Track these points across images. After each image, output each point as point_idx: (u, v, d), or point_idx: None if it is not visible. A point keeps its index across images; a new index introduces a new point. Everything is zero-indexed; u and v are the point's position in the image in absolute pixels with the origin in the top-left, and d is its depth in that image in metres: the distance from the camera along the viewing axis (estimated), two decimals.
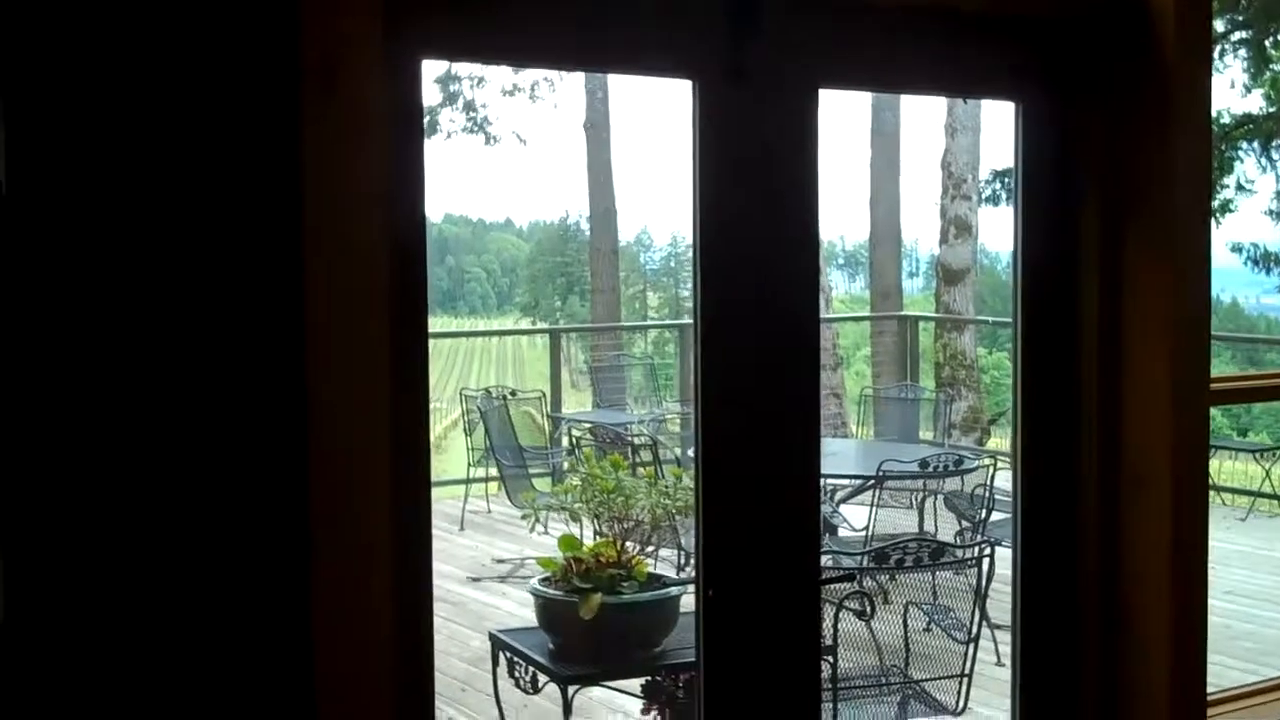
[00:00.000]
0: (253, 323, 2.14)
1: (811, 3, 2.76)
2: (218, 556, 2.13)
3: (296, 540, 2.16)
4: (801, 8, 2.74)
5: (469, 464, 9.46)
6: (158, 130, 2.07)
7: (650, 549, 5.03)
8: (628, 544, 4.82)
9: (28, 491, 2.00)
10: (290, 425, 2.15)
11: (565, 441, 9.51)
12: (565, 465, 9.37)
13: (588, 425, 8.82)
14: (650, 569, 4.89)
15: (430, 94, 15.70)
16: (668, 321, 20.82)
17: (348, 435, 2.20)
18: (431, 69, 16.79)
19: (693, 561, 6.19)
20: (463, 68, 16.33)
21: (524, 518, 7.35)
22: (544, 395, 10.44)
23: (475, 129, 16.54)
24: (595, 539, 5.25)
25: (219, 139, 2.11)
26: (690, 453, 7.28)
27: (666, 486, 5.02)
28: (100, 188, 2.03)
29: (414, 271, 2.41)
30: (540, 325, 26.31)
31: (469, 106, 16.51)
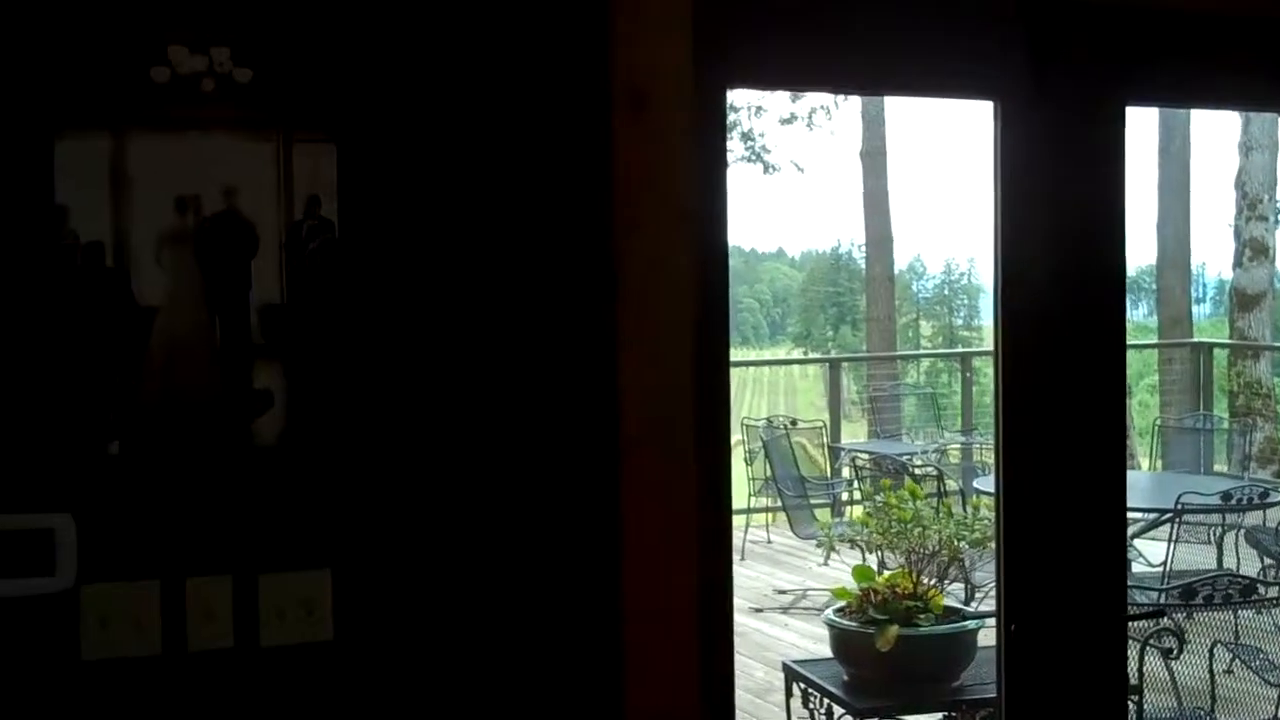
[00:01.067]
0: (568, 344, 2.20)
1: (1116, 15, 2.68)
2: (535, 576, 2.19)
3: (606, 571, 2.20)
4: (1106, 22, 2.67)
5: (749, 493, 9.47)
6: (479, 163, 2.15)
7: (948, 581, 4.94)
8: (923, 577, 4.75)
9: (361, 511, 2.10)
10: (602, 441, 2.19)
11: (845, 472, 9.43)
12: (845, 496, 9.29)
13: (870, 456, 8.72)
14: (947, 603, 4.81)
15: None
16: (948, 350, 20.45)
17: (655, 454, 2.22)
18: None
19: (979, 595, 6.08)
20: (741, 97, 16.43)
21: (819, 546, 7.31)
22: (824, 425, 10.38)
23: (753, 158, 16.61)
24: (880, 569, 5.20)
25: (534, 169, 2.18)
26: (975, 484, 7.12)
27: (964, 517, 4.93)
28: (425, 220, 2.13)
29: (718, 295, 2.43)
30: (813, 355, 26.17)
31: (746, 136, 16.59)
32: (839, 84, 2.88)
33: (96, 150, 1.97)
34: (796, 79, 2.78)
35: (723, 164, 2.45)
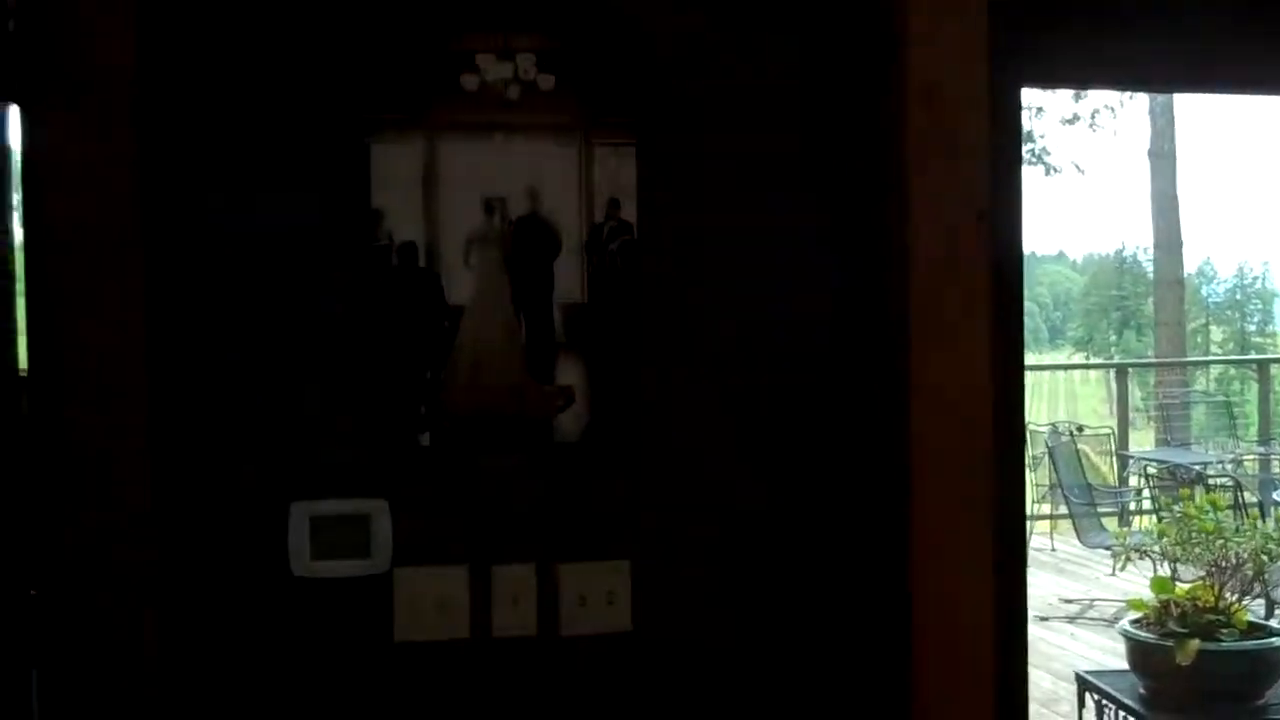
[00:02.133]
0: (858, 341, 2.20)
1: None
2: (823, 581, 2.20)
3: (895, 579, 2.18)
4: None
5: (1033, 500, 9.25)
6: (771, 164, 2.17)
7: (1252, 596, 4.73)
8: (1224, 590, 4.56)
9: (658, 505, 2.15)
10: (892, 438, 2.18)
11: (1133, 481, 9.11)
12: (1132, 505, 8.97)
13: (1161, 465, 8.40)
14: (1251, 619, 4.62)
15: None
16: (1243, 357, 19.56)
17: (950, 452, 2.19)
18: None
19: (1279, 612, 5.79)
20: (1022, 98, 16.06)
21: (1113, 557, 7.09)
22: (1112, 432, 10.06)
23: (1034, 160, 16.22)
24: (1173, 581, 5.01)
25: (825, 168, 2.19)
26: (1276, 495, 6.78)
27: (1271, 530, 4.71)
28: (721, 220, 2.16)
29: (1013, 297, 2.38)
30: (1095, 360, 25.37)
31: (1028, 137, 16.21)
32: (1144, 81, 2.76)
33: (410, 154, 2.06)
34: (1100, 77, 2.70)
35: (1017, 163, 2.41)
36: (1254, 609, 6.17)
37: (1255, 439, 10.96)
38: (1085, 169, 17.02)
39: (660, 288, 2.13)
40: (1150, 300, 19.09)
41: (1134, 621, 4.63)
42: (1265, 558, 4.56)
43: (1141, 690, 4.59)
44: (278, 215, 2.03)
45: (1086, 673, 4.97)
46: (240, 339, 2.02)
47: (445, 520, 2.09)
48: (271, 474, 2.03)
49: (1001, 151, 2.33)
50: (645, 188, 2.12)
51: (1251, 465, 9.98)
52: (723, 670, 2.17)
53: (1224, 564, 4.55)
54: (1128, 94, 15.80)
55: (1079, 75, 2.68)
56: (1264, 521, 5.97)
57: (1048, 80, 2.78)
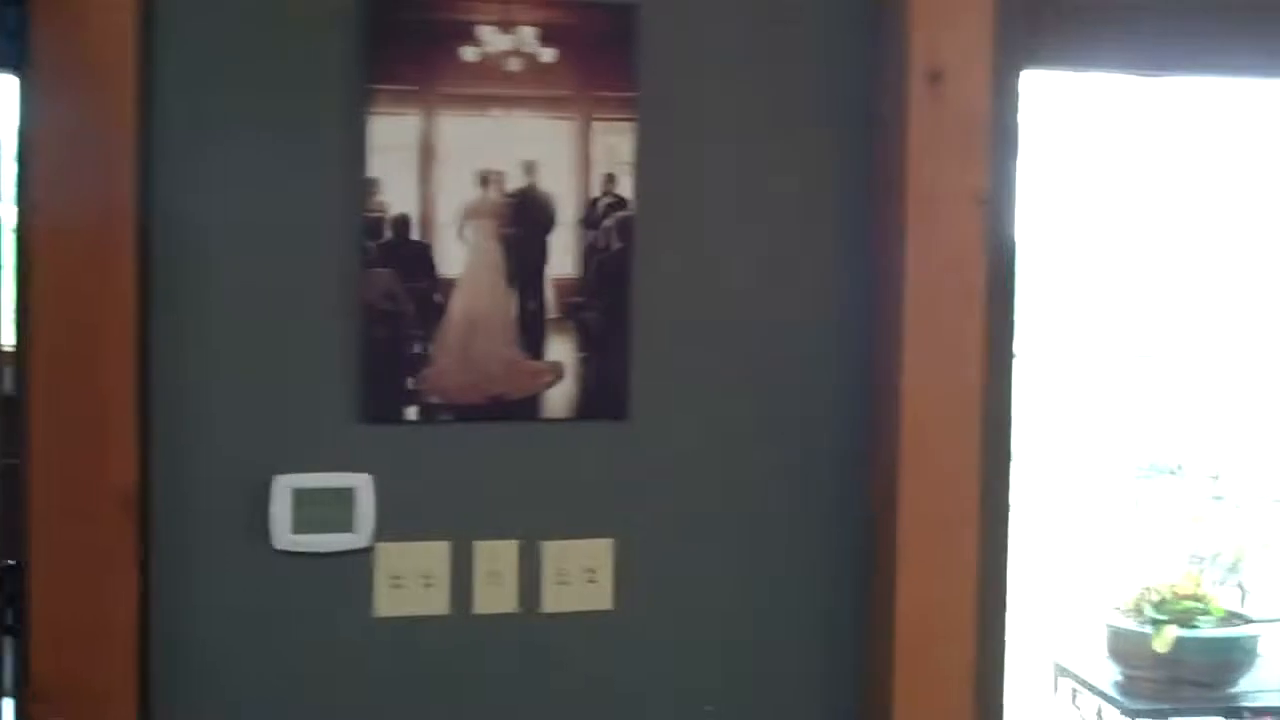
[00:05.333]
0: (851, 324, 2.19)
1: None
2: (810, 549, 2.20)
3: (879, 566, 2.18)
4: None
5: None
6: (768, 140, 2.16)
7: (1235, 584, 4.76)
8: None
9: (645, 483, 2.14)
10: (880, 436, 2.18)
11: None
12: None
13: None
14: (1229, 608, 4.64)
15: None
16: None
17: (939, 452, 2.18)
18: None
19: (1250, 600, 5.80)
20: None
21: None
22: None
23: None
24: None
25: (825, 144, 2.18)
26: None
27: (1246, 519, 4.74)
28: (717, 197, 2.15)
29: (1005, 282, 2.36)
30: None
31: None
32: (1155, 68, 2.73)
33: (407, 126, 2.04)
34: (1103, 62, 2.67)
35: (1015, 147, 2.38)
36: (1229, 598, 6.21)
37: None
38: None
39: (655, 264, 2.12)
40: None
41: (1113, 609, 4.65)
42: (1241, 544, 4.60)
43: (1118, 678, 4.62)
44: (271, 187, 2.02)
45: (1063, 660, 4.99)
46: (227, 307, 2.01)
47: (429, 495, 2.08)
48: (256, 446, 2.02)
49: (1002, 137, 2.32)
50: (643, 163, 2.11)
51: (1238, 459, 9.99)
52: (703, 652, 2.16)
53: (1202, 552, 4.58)
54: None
55: (1081, 59, 2.65)
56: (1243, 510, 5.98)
57: (1050, 63, 2.74)
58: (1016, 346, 2.45)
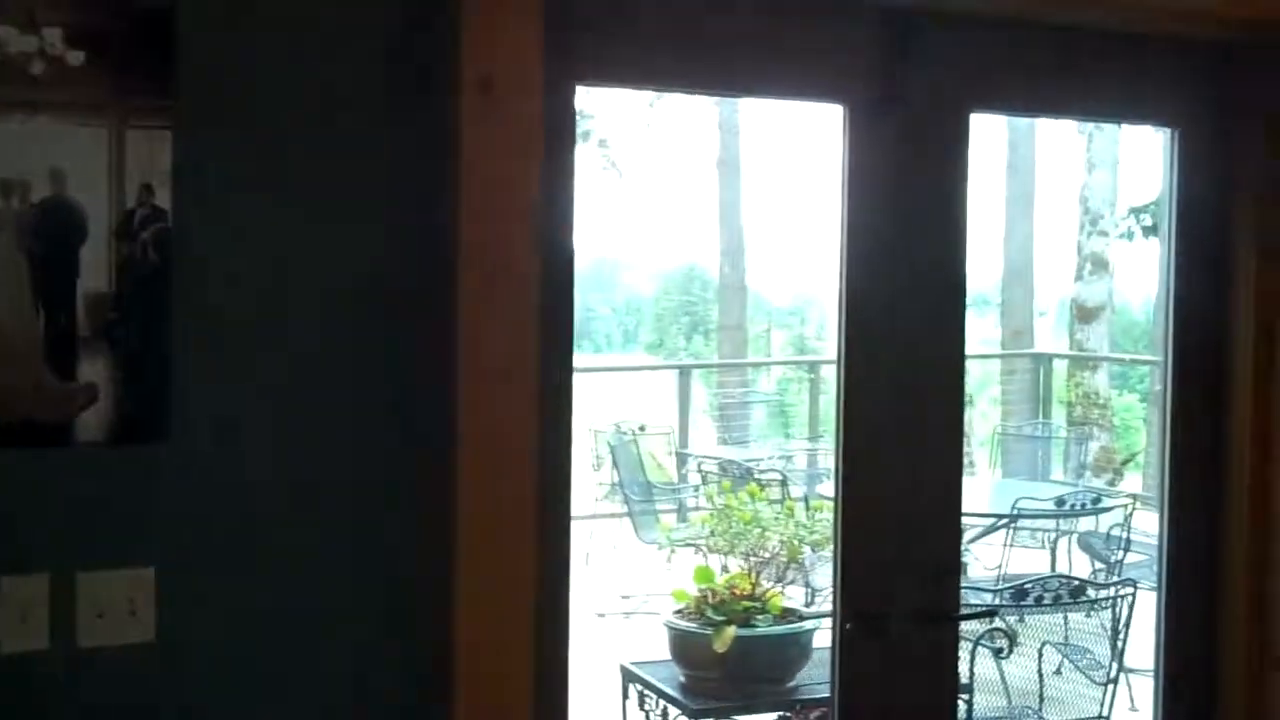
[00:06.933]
0: (404, 336, 2.18)
1: (964, 24, 2.72)
2: (362, 578, 2.17)
3: (441, 569, 2.17)
4: (954, 29, 2.71)
5: (597, 499, 9.47)
6: (318, 147, 2.13)
7: (785, 583, 4.99)
8: (762, 578, 4.79)
9: (188, 509, 2.05)
10: (439, 440, 2.17)
11: (692, 478, 9.48)
12: (691, 502, 9.33)
13: (717, 461, 8.78)
14: (785, 604, 4.86)
15: None
16: (797, 358, 20.71)
17: (494, 455, 2.20)
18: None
19: (819, 598, 6.15)
20: (595, 104, 16.44)
21: (660, 549, 7.32)
22: (672, 431, 10.41)
23: (608, 166, 16.63)
24: (724, 573, 5.24)
25: (377, 153, 2.16)
26: (818, 489, 7.21)
27: (803, 520, 4.99)
28: (262, 208, 2.09)
29: (563, 295, 2.41)
30: (663, 362, 26.24)
31: (601, 143, 16.61)
32: (689, 84, 2.87)
33: None
34: (645, 78, 2.78)
35: (571, 160, 2.44)
36: (795, 597, 6.54)
37: (807, 436, 11.59)
38: (659, 176, 17.60)
39: (197, 278, 2.04)
40: (716, 306, 19.93)
41: (676, 612, 4.80)
42: (800, 544, 4.82)
43: (681, 678, 4.75)
44: None
45: (631, 664, 5.11)
46: None
47: None
48: None
49: (555, 147, 2.36)
50: (183, 173, 2.03)
51: (802, 461, 10.57)
52: (251, 682, 2.09)
53: (761, 552, 4.78)
54: (700, 104, 16.47)
55: (630, 75, 2.75)
56: (822, 508, 6.30)
57: (603, 78, 2.82)
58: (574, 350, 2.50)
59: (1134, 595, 4.75)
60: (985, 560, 7.22)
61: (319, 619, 2.13)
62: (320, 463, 2.13)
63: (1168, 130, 3.06)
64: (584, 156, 16.48)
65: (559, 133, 2.38)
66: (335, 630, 2.15)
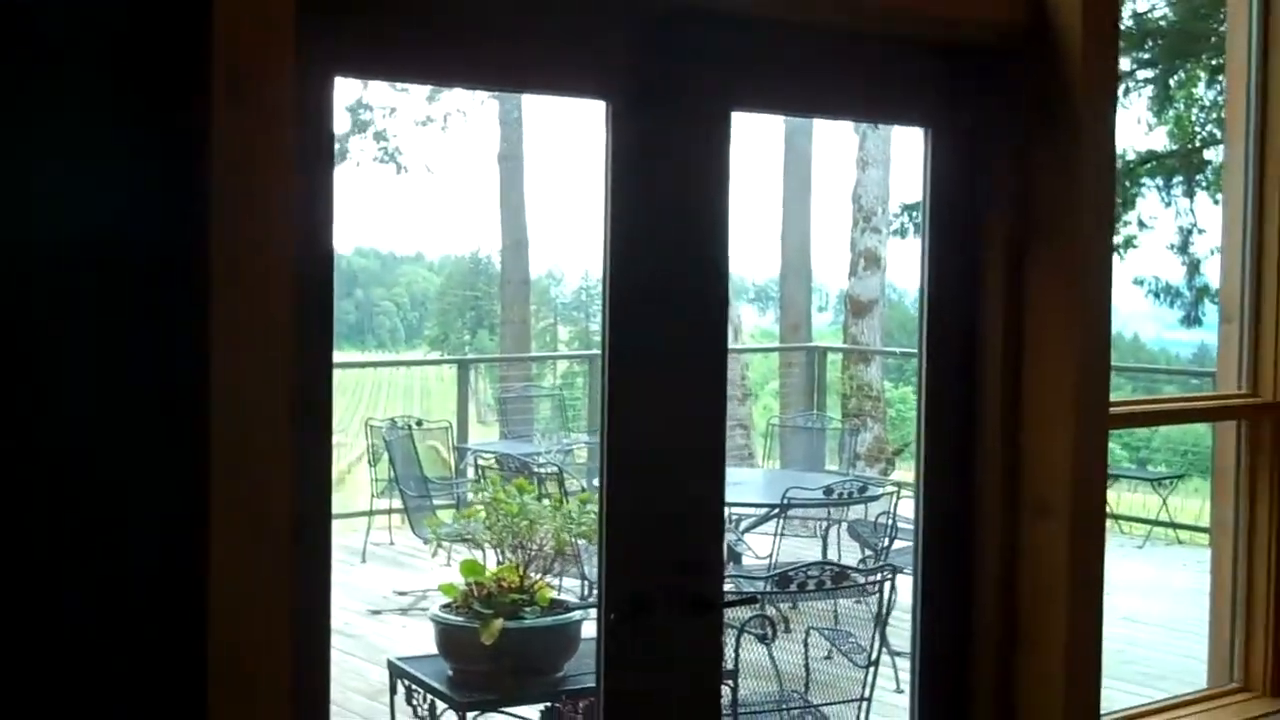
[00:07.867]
0: (153, 345, 2.09)
1: (723, 22, 2.76)
2: (111, 575, 2.08)
3: (193, 575, 2.10)
4: (713, 27, 2.74)
5: (372, 495, 9.35)
6: (61, 142, 2.03)
7: (554, 575, 5.00)
8: (531, 571, 4.79)
9: None
10: (190, 451, 2.10)
11: (471, 472, 9.44)
12: (470, 495, 9.28)
13: (493, 455, 8.76)
14: (554, 596, 4.86)
15: (340, 121, 15.48)
16: (576, 353, 20.79)
17: (248, 465, 2.13)
18: (342, 97, 16.62)
19: (593, 590, 6.18)
20: (374, 97, 16.22)
21: (427, 543, 7.27)
22: (450, 426, 10.35)
23: (386, 159, 16.42)
24: (498, 565, 5.23)
25: (123, 149, 2.07)
26: (595, 482, 7.21)
27: (571, 512, 5.00)
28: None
29: (321, 291, 2.35)
30: (448, 357, 26.08)
31: (380, 136, 16.38)
32: (448, 78, 2.85)
33: None
34: (404, 71, 2.75)
35: (329, 157, 2.38)
36: (572, 589, 6.56)
37: (586, 430, 11.64)
38: (438, 170, 17.48)
39: None
40: (500, 300, 19.88)
41: (444, 606, 4.77)
42: (569, 537, 4.83)
43: (449, 673, 4.73)
44: None
45: (398, 659, 5.07)
46: None
47: None
48: None
49: (312, 144, 2.30)
50: None
51: (582, 455, 10.60)
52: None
53: (529, 545, 4.78)
54: (480, 99, 16.40)
55: (388, 68, 2.71)
56: (588, 502, 6.34)
57: (361, 71, 2.77)
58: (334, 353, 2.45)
59: (893, 580, 4.89)
60: (758, 549, 7.36)
61: (62, 635, 2.04)
62: (66, 488, 2.03)
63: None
64: (362, 150, 16.26)
65: (316, 125, 2.32)
66: (78, 634, 2.06)
